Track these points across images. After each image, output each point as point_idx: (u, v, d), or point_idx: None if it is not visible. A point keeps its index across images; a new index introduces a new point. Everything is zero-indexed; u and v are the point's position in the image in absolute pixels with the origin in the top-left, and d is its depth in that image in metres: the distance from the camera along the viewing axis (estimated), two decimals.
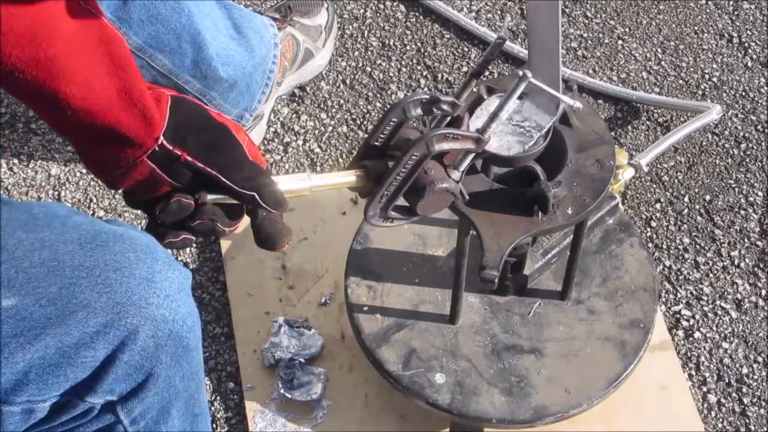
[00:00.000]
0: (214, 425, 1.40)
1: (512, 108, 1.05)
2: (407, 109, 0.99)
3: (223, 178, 0.94)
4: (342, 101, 1.76)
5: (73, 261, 0.94)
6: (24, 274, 0.92)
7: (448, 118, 1.04)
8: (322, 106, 1.75)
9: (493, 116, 1.02)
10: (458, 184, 1.02)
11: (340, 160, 1.68)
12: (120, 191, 0.99)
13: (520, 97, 1.05)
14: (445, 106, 1.02)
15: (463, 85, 1.05)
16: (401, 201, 1.01)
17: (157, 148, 0.92)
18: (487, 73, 1.80)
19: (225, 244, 1.55)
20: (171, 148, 0.92)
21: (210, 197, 0.94)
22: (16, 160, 1.67)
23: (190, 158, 0.93)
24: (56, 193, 1.63)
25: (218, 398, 1.43)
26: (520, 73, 1.01)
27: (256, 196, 0.95)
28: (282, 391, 1.38)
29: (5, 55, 0.84)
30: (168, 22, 1.45)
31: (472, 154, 1.02)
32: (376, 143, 1.01)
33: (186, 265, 1.55)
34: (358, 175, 1.00)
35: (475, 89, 1.08)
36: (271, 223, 0.99)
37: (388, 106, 1.74)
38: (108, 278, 0.94)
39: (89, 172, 0.98)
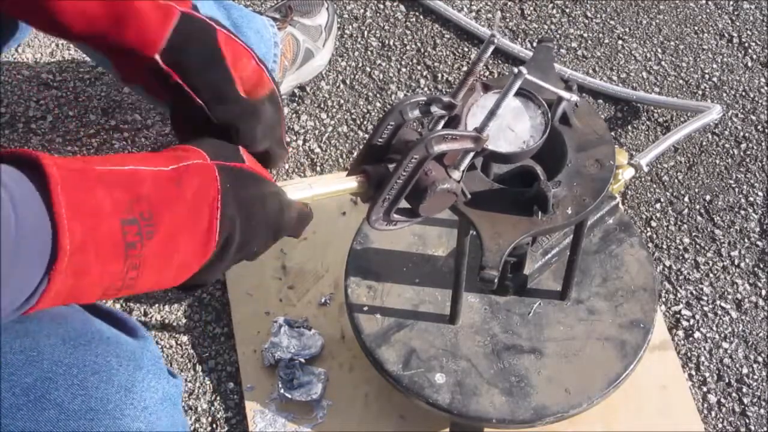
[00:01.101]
0: (214, 425, 1.41)
1: (509, 105, 1.05)
2: (404, 112, 0.99)
3: (206, 109, 0.96)
4: (342, 101, 1.76)
5: (53, 355, 0.91)
6: (3, 358, 0.90)
7: (446, 118, 1.04)
8: (322, 106, 1.75)
9: (491, 114, 1.02)
10: (459, 183, 1.02)
11: (340, 160, 1.68)
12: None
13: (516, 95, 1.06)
14: (442, 107, 1.02)
15: (460, 84, 1.05)
16: (403, 203, 1.01)
17: (156, 61, 0.95)
18: (487, 73, 1.80)
19: None
20: (164, 68, 0.95)
21: None
22: None
23: (180, 81, 0.95)
24: None
25: (218, 398, 1.43)
26: (516, 70, 1.01)
27: (238, 134, 0.97)
28: (282, 391, 1.38)
29: None
30: None
31: (472, 153, 1.02)
32: (375, 146, 1.01)
33: None
34: (359, 180, 1.00)
35: (470, 88, 1.07)
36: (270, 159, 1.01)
37: (388, 107, 1.74)
38: (85, 380, 0.91)
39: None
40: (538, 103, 1.09)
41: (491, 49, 1.03)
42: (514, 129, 1.08)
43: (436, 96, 1.01)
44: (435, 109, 1.01)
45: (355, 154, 1.62)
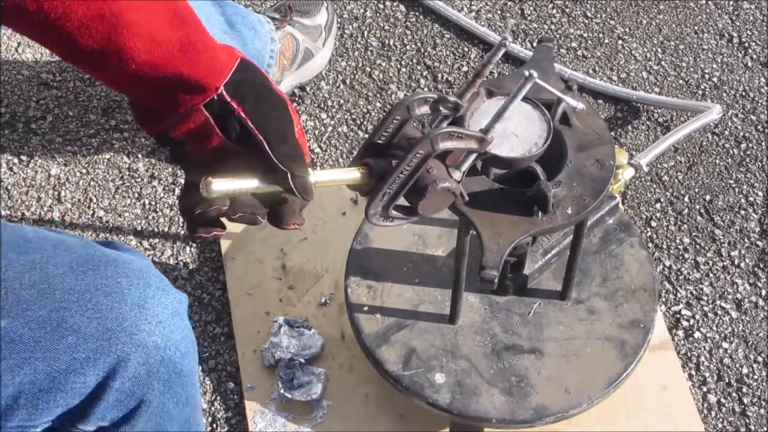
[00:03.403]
0: (214, 425, 1.40)
1: (516, 108, 1.05)
2: (411, 108, 0.99)
3: (265, 145, 0.94)
4: (342, 101, 1.76)
5: (64, 284, 0.93)
6: (14, 295, 0.92)
7: (449, 119, 1.04)
8: (322, 106, 1.75)
9: (498, 116, 1.02)
10: (459, 184, 1.02)
11: (340, 160, 1.68)
12: (166, 149, 1.00)
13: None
14: (449, 106, 1.02)
15: (466, 85, 1.04)
16: (402, 200, 1.01)
17: (215, 97, 0.93)
18: (487, 73, 1.80)
19: (225, 244, 1.55)
20: (229, 100, 0.94)
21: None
22: (16, 160, 1.67)
23: (243, 115, 0.94)
24: (56, 193, 1.63)
25: (218, 398, 1.43)
26: (526, 73, 1.01)
27: (289, 175, 0.95)
28: (282, 391, 1.38)
29: (73, 11, 0.86)
30: None
31: (475, 155, 1.02)
32: (379, 141, 1.01)
33: (186, 265, 1.55)
34: (362, 172, 1.00)
35: (476, 90, 1.07)
36: (289, 203, 0.99)
37: (388, 107, 1.74)
38: (98, 303, 0.93)
39: (140, 126, 1.00)
40: (539, 108, 1.09)
41: (502, 52, 1.03)
42: (516, 133, 1.08)
43: (444, 96, 1.01)
44: (442, 108, 1.01)
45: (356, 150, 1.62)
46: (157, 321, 0.95)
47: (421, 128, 1.05)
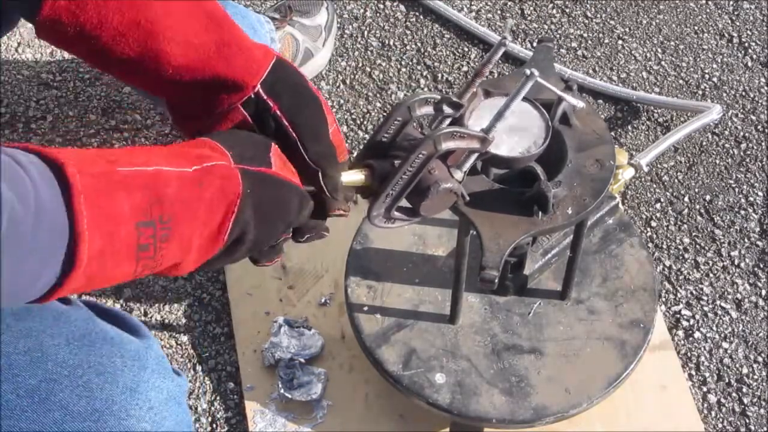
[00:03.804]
0: (214, 425, 1.41)
1: (516, 108, 1.05)
2: (413, 108, 0.99)
3: (298, 143, 0.95)
4: (342, 101, 1.76)
5: (57, 356, 0.91)
6: (6, 359, 0.90)
7: (448, 119, 1.04)
8: None
9: (499, 115, 1.02)
10: (460, 184, 1.02)
11: None
12: None
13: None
14: (450, 107, 1.02)
15: (466, 85, 1.05)
16: (403, 201, 1.01)
17: (252, 96, 0.95)
18: (487, 72, 1.80)
19: None
20: (265, 98, 0.95)
21: None
22: None
23: (278, 113, 0.95)
24: None
25: (218, 398, 1.43)
26: (528, 72, 1.01)
27: (320, 173, 0.96)
28: (282, 391, 1.38)
29: (108, 21, 0.88)
30: None
31: (476, 155, 1.02)
32: (380, 142, 1.01)
33: None
34: (365, 173, 1.00)
35: (476, 90, 1.08)
36: (327, 202, 1.00)
37: (389, 107, 1.74)
38: (89, 381, 0.91)
39: (179, 127, 1.02)
40: (538, 108, 1.09)
41: (501, 51, 1.03)
42: (516, 133, 1.08)
43: (447, 96, 1.01)
44: (445, 108, 1.02)
45: (357, 150, 1.62)
46: (148, 407, 0.93)
47: (420, 129, 1.05)
